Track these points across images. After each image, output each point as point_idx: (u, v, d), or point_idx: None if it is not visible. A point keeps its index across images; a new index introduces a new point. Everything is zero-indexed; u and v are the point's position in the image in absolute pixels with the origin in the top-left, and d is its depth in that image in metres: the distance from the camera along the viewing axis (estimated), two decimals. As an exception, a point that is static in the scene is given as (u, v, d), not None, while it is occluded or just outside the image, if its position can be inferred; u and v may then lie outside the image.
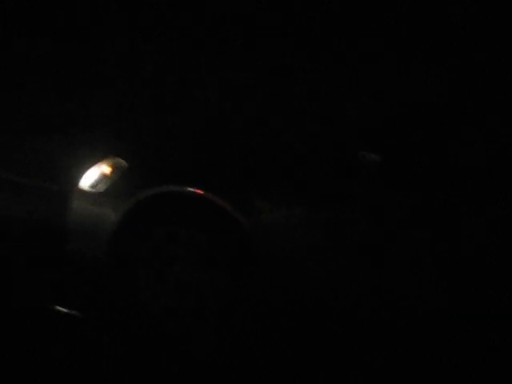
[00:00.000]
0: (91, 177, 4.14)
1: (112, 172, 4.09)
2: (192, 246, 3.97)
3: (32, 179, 5.28)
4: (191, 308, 4.00)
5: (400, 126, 4.03)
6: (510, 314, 3.78)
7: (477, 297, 3.81)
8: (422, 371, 3.74)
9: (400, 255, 3.86)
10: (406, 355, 3.79)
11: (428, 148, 3.96)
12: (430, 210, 3.89)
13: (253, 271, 3.93)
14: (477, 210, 3.85)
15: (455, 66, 4.13)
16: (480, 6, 4.26)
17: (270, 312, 3.98)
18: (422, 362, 3.76)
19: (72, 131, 4.53)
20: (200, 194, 3.93)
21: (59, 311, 4.05)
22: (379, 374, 3.73)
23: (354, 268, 3.87)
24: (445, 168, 3.96)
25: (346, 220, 3.90)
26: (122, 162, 4.11)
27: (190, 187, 3.95)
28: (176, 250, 3.99)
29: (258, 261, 3.92)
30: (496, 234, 3.82)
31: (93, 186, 4.11)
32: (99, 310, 4.08)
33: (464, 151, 3.96)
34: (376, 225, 3.90)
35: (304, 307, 3.95)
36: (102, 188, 4.08)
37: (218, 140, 4.23)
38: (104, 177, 4.10)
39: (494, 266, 3.81)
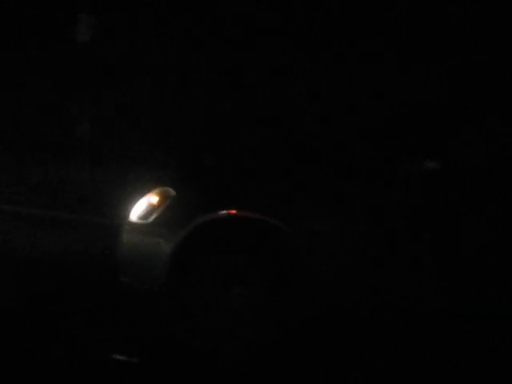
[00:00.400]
0: (140, 208, 4.09)
1: (160, 202, 4.03)
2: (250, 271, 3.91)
3: (83, 215, 5.36)
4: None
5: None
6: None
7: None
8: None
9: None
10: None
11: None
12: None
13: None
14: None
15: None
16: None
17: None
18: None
19: (118, 164, 4.54)
20: (256, 217, 3.86)
21: (118, 359, 3.95)
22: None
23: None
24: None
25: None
26: (170, 191, 4.05)
27: (243, 211, 3.88)
28: (233, 275, 3.92)
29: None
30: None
31: (142, 218, 4.06)
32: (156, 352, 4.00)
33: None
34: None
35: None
36: (151, 219, 4.01)
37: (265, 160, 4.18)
38: (153, 207, 4.04)
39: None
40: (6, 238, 5.53)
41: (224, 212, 3.88)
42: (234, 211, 3.87)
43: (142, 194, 4.15)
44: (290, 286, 3.87)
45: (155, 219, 4.00)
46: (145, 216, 4.05)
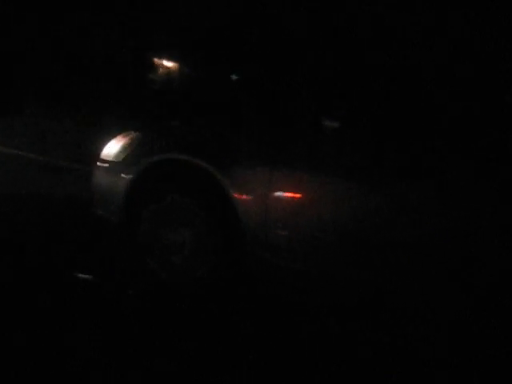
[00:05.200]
0: (109, 149, 4.55)
1: (125, 143, 4.46)
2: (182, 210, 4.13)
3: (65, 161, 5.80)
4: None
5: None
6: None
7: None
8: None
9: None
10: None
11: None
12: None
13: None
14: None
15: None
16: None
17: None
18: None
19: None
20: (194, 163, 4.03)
21: (79, 277, 4.26)
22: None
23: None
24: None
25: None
26: (136, 135, 4.45)
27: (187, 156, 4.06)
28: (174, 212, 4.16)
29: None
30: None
31: (110, 157, 4.50)
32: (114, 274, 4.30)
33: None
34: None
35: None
36: (117, 158, 4.45)
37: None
38: (119, 148, 4.47)
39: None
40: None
41: (166, 155, 4.15)
42: (173, 155, 4.11)
43: (112, 137, 4.62)
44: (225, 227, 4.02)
45: (120, 158, 4.41)
46: (112, 155, 4.49)
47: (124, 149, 4.46)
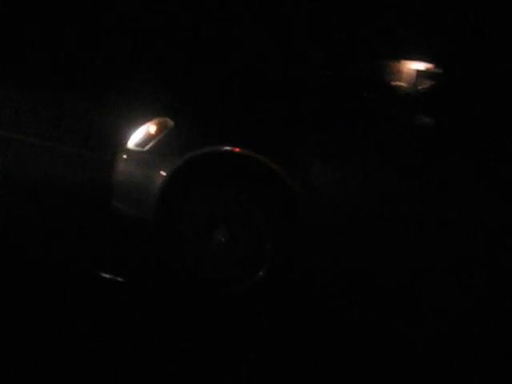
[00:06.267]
0: (138, 136, 4.12)
1: (158, 131, 4.05)
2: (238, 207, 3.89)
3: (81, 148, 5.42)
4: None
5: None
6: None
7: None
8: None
9: None
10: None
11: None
12: None
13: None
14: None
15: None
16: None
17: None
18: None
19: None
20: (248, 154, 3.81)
21: (104, 277, 4.04)
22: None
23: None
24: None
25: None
26: (169, 122, 4.07)
27: (238, 147, 3.83)
28: (223, 210, 3.92)
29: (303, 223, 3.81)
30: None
31: (139, 145, 4.09)
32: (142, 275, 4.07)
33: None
34: None
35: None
36: (148, 147, 4.04)
37: (268, 100, 4.12)
38: (150, 136, 4.06)
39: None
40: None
41: (217, 147, 3.86)
42: (227, 147, 3.84)
43: (141, 123, 4.17)
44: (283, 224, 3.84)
45: (151, 147, 4.02)
46: (142, 144, 4.07)
47: (159, 139, 4.05)
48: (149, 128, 4.11)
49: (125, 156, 4.15)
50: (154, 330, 3.48)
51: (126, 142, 4.19)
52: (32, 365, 3.06)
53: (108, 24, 6.22)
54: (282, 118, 3.94)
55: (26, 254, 4.19)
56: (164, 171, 3.95)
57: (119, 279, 4.00)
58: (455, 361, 3.48)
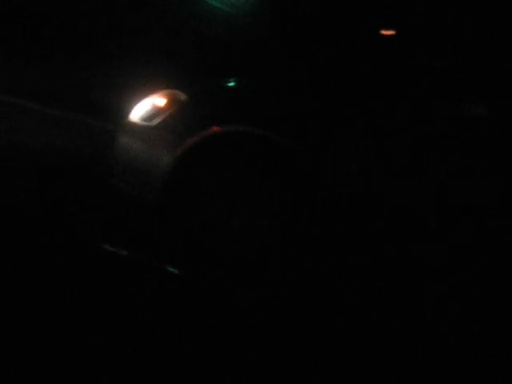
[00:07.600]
0: (143, 109, 3.86)
1: (168, 105, 3.80)
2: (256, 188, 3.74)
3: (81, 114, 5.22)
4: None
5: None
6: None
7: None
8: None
9: None
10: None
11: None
12: None
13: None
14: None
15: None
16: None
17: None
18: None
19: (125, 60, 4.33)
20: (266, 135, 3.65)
21: (106, 249, 3.93)
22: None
23: None
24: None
25: None
26: (181, 95, 3.83)
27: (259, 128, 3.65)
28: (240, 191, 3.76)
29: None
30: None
31: (145, 120, 3.83)
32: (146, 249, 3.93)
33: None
34: None
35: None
36: (155, 122, 3.80)
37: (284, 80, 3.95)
38: (158, 110, 3.82)
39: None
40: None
41: (239, 126, 3.66)
42: (249, 127, 3.65)
43: (146, 94, 3.93)
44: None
45: (160, 123, 3.78)
46: (148, 118, 3.83)
47: (169, 114, 3.79)
48: (156, 101, 3.85)
49: (128, 130, 3.88)
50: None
51: (128, 114, 3.92)
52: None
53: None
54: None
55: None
56: (175, 150, 3.71)
57: (123, 252, 3.93)
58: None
